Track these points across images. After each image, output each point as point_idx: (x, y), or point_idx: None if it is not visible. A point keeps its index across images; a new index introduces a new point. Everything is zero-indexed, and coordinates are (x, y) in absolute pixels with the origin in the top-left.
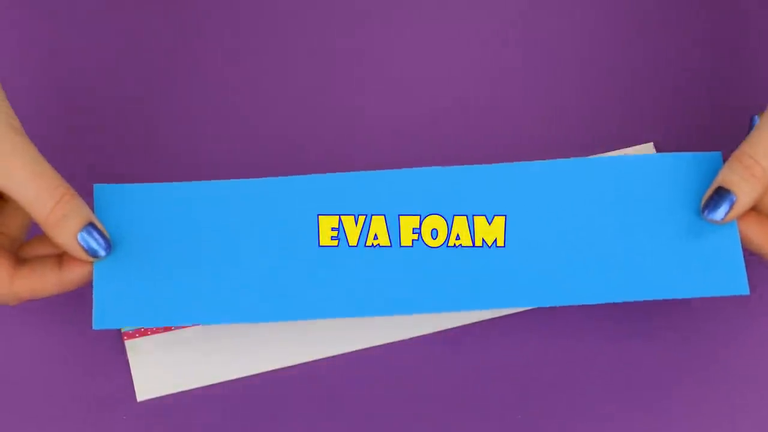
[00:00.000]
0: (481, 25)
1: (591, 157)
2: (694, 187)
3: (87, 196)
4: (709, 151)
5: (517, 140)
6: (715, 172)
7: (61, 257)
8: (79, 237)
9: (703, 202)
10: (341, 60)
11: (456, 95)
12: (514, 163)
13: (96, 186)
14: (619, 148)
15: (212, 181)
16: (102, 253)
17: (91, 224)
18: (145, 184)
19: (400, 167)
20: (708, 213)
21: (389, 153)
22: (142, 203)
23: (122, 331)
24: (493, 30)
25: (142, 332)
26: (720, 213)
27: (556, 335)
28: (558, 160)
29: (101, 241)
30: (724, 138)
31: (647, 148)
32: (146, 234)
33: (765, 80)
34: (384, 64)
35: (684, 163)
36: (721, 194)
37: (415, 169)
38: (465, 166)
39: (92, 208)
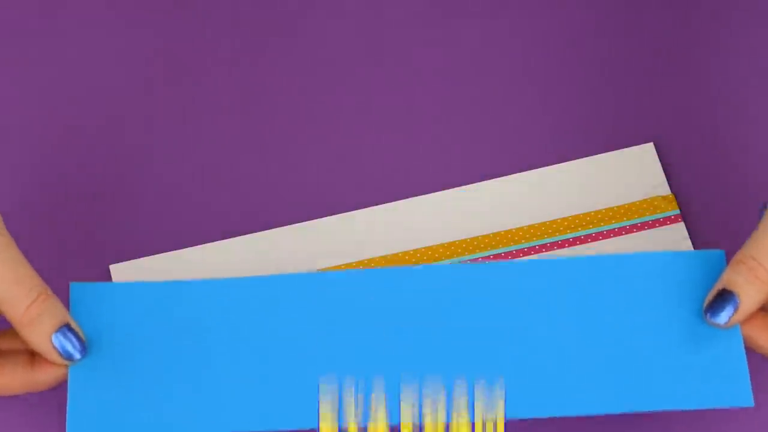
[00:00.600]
0: (481, 21)
1: (590, 255)
2: (695, 287)
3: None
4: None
5: (517, 141)
6: (717, 271)
7: (33, 354)
8: (53, 338)
9: (705, 304)
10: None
11: (455, 94)
12: (513, 261)
13: (72, 284)
14: (619, 148)
15: (196, 280)
16: (77, 356)
17: (67, 325)
18: (124, 282)
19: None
20: (711, 316)
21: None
22: (121, 303)
23: None
24: (492, 30)
25: None
26: (723, 317)
27: None
28: (558, 258)
29: (77, 343)
30: (725, 137)
31: (647, 148)
32: (125, 336)
33: (765, 78)
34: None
35: (685, 261)
36: (724, 297)
37: (413, 267)
38: (464, 265)
39: (68, 307)
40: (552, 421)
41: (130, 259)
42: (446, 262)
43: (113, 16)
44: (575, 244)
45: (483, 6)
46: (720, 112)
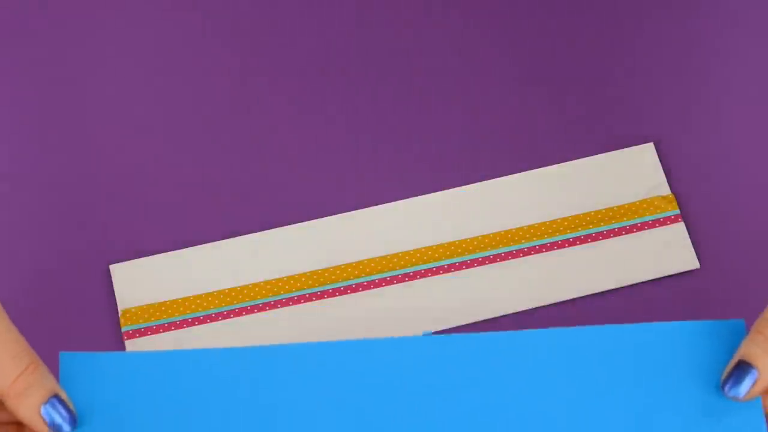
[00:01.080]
0: (481, 21)
1: (603, 326)
2: (713, 358)
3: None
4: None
5: (517, 141)
6: (737, 342)
7: (21, 426)
8: (42, 410)
9: (723, 377)
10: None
11: (455, 94)
12: (523, 331)
13: (62, 354)
14: (619, 148)
15: (189, 350)
16: (66, 428)
17: (56, 397)
18: (116, 352)
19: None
20: (729, 389)
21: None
22: (112, 373)
23: (122, 330)
24: (492, 30)
25: (142, 332)
26: (742, 389)
27: None
28: (571, 329)
29: (66, 415)
30: (725, 137)
31: (647, 149)
32: (116, 407)
33: (765, 78)
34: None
35: (703, 331)
36: (742, 369)
37: (413, 337)
38: (470, 335)
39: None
40: None
41: (130, 259)
42: (446, 262)
43: (113, 15)
44: (575, 244)
45: (484, 6)
46: (720, 112)
